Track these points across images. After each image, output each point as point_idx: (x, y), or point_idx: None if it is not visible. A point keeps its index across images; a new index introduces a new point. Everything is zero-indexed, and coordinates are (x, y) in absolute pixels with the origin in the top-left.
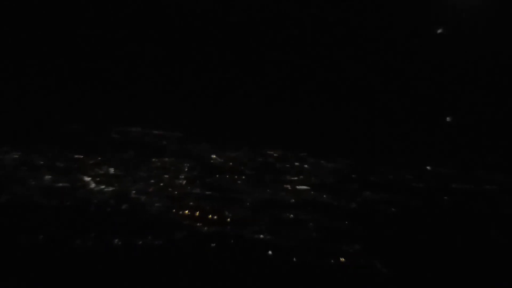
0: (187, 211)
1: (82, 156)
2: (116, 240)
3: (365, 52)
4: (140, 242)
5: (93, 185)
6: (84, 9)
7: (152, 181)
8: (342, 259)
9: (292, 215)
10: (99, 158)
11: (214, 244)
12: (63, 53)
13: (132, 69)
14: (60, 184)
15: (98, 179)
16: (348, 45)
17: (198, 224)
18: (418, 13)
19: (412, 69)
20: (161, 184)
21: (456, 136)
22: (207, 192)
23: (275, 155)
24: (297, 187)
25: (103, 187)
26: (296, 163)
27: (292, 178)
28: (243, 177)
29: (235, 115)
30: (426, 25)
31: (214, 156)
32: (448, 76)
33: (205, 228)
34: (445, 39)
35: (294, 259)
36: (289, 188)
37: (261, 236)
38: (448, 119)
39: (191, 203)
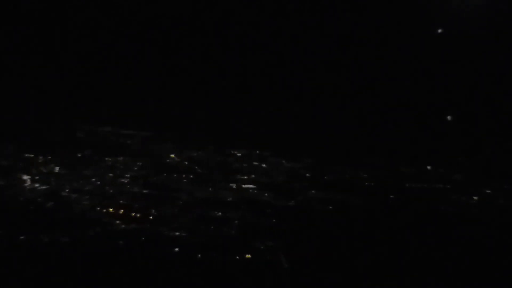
0: (111, 209)
1: (32, 155)
2: (22, 237)
3: (351, 52)
4: (46, 240)
5: (28, 183)
6: (53, 8)
7: (93, 179)
8: (248, 256)
9: (220, 213)
10: (49, 157)
11: (122, 242)
12: (47, 51)
13: (108, 70)
14: None
15: (37, 177)
16: (339, 45)
17: (117, 221)
18: (418, 13)
19: (395, 69)
20: (99, 182)
21: (427, 137)
22: (144, 191)
23: (238, 154)
24: (243, 186)
25: (37, 185)
26: (255, 163)
27: (242, 177)
28: (191, 176)
29: (208, 115)
30: (426, 25)
31: (173, 156)
32: (437, 76)
33: (122, 226)
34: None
35: (199, 255)
36: (234, 187)
37: (177, 233)
38: (449, 117)
39: (122, 201)
